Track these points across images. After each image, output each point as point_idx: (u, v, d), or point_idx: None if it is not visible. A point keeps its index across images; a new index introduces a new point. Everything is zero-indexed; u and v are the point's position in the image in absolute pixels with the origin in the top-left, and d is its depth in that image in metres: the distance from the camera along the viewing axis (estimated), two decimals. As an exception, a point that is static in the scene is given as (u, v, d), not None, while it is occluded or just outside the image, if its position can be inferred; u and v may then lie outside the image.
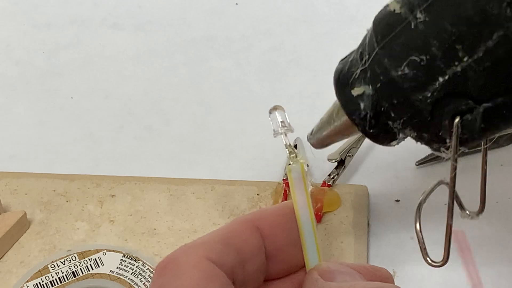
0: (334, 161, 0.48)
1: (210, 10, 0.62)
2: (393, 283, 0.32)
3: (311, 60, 0.58)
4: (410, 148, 0.50)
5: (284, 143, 0.31)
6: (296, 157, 0.30)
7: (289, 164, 0.30)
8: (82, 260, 0.43)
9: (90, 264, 0.43)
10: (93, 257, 0.43)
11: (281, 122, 0.32)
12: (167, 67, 0.57)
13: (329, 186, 0.47)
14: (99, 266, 0.42)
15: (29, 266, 0.43)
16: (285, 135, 0.32)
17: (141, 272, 0.42)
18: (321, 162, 0.48)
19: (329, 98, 0.55)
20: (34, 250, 0.44)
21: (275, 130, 0.32)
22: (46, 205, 0.46)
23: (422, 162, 0.49)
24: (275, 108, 0.32)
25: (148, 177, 0.48)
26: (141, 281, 0.42)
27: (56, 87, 0.56)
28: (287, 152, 0.30)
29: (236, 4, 0.62)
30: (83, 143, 0.52)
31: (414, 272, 0.43)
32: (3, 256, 0.44)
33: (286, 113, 0.32)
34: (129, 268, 0.43)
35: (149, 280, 0.42)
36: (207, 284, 0.26)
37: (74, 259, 0.43)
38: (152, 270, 0.42)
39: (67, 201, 0.47)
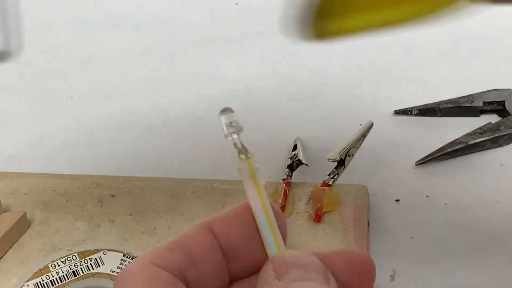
0: (334, 161, 0.48)
1: (210, 10, 0.62)
2: (372, 266, 0.32)
3: (311, 60, 0.58)
4: (410, 148, 0.50)
5: (234, 143, 0.32)
6: (245, 155, 0.31)
7: (239, 162, 0.31)
8: (82, 260, 0.43)
9: (91, 264, 0.43)
10: (93, 256, 0.43)
11: (229, 123, 0.33)
12: (167, 67, 0.57)
13: (329, 186, 0.47)
14: (99, 266, 0.42)
15: (29, 266, 0.43)
16: (236, 135, 0.33)
17: None
18: (321, 162, 0.48)
19: (329, 98, 0.55)
20: (34, 250, 0.44)
21: (225, 132, 0.33)
22: (46, 205, 0.46)
23: (422, 162, 0.49)
24: (222, 111, 0.33)
25: (148, 177, 0.48)
26: None
27: (56, 87, 0.56)
28: (237, 152, 0.31)
29: (236, 4, 0.62)
30: (83, 143, 0.52)
31: (414, 272, 0.43)
32: (3, 256, 0.44)
33: (234, 114, 0.33)
34: None
35: None
36: (150, 284, 0.28)
37: (74, 258, 0.43)
38: None
39: (67, 201, 0.47)
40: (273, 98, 0.54)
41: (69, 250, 0.43)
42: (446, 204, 0.47)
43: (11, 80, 0.57)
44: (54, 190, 0.47)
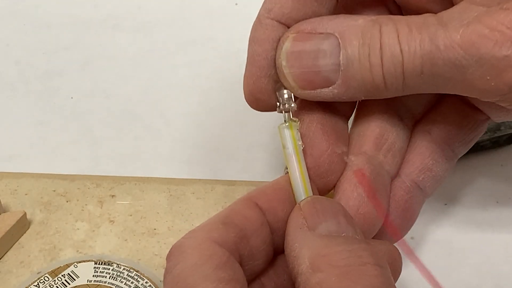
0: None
1: (210, 10, 0.62)
2: (401, 256, 0.32)
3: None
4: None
5: (284, 114, 0.34)
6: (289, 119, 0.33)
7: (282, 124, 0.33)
8: (55, 279, 0.42)
9: (66, 280, 0.42)
10: (65, 272, 0.42)
11: (285, 100, 0.34)
12: (167, 67, 0.57)
13: (329, 186, 0.46)
14: (74, 280, 0.42)
15: (29, 266, 0.43)
16: (290, 112, 0.34)
17: (118, 273, 0.42)
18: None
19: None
20: (34, 250, 0.44)
21: (281, 106, 0.34)
22: (46, 205, 0.46)
23: (422, 162, 0.49)
24: (280, 86, 0.34)
25: (148, 177, 0.48)
26: (121, 281, 0.42)
27: (56, 87, 0.56)
28: (284, 118, 0.33)
29: (236, 4, 0.62)
30: (83, 143, 0.52)
31: (414, 272, 0.43)
32: (3, 256, 0.44)
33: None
34: (106, 273, 0.42)
35: (129, 279, 0.42)
36: (206, 262, 0.28)
37: (47, 279, 0.42)
38: (128, 269, 0.42)
39: (67, 201, 0.47)
40: (273, 98, 0.54)
41: (39, 273, 0.43)
42: (446, 204, 0.47)
43: (11, 80, 0.57)
44: (54, 190, 0.47)
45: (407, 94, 0.32)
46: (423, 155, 0.36)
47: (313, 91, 0.32)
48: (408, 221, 0.37)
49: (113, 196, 0.47)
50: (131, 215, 0.46)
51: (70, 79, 0.57)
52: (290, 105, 0.33)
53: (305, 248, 0.28)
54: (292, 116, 0.34)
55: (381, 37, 0.30)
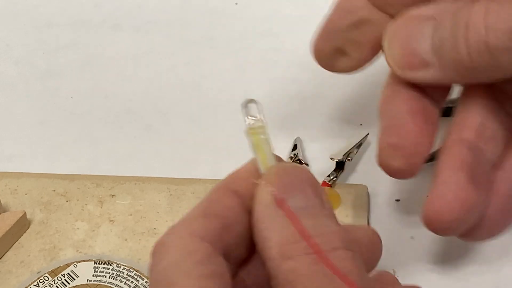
0: (338, 160, 0.47)
1: (210, 10, 0.62)
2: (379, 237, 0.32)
3: (311, 60, 0.58)
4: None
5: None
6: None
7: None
8: (55, 278, 0.42)
9: (66, 279, 0.42)
10: (65, 272, 0.42)
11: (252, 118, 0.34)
12: (167, 67, 0.57)
13: (329, 186, 0.47)
14: (74, 279, 0.42)
15: (29, 266, 0.43)
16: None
17: (118, 273, 0.42)
18: (321, 162, 0.48)
19: (330, 98, 0.55)
20: (34, 250, 0.44)
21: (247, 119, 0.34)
22: (46, 205, 0.46)
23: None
24: (250, 101, 0.34)
25: (148, 177, 0.48)
26: (121, 281, 0.42)
27: (56, 87, 0.56)
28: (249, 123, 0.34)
29: (236, 4, 0.62)
30: (83, 143, 0.52)
31: (414, 272, 0.43)
32: (3, 256, 0.44)
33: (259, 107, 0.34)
34: (105, 273, 0.42)
35: (129, 278, 0.42)
36: (186, 258, 0.28)
37: (46, 279, 0.42)
38: (128, 268, 0.42)
39: (67, 201, 0.47)
40: (273, 98, 0.54)
41: (38, 272, 0.43)
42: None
43: (11, 80, 0.57)
44: (54, 190, 0.47)
45: (503, 76, 0.31)
46: None
47: (411, 71, 0.33)
48: (509, 217, 0.36)
49: (113, 195, 0.47)
50: (131, 215, 0.46)
51: (70, 79, 0.57)
52: (256, 120, 0.33)
53: (273, 231, 0.28)
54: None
55: (470, 16, 0.31)
